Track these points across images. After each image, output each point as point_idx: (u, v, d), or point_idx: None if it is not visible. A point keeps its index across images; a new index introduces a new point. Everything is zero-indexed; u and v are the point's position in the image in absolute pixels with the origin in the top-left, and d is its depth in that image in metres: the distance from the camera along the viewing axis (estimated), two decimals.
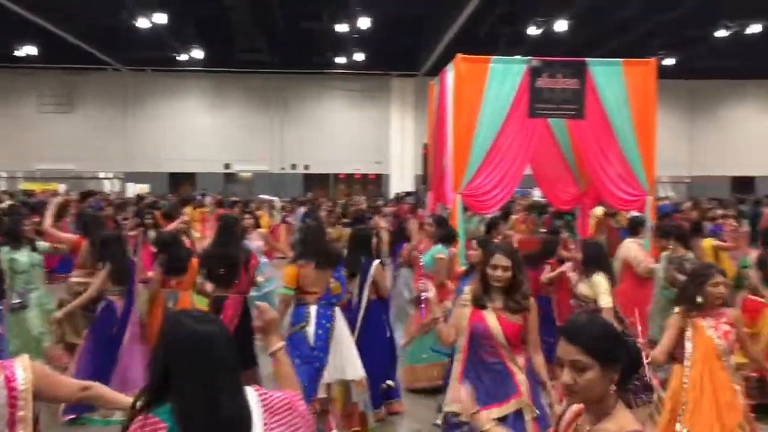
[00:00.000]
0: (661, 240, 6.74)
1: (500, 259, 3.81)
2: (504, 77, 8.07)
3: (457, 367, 3.89)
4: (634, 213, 8.38)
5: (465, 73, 8.12)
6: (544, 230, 9.42)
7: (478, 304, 3.84)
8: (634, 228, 7.70)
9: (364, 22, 18.07)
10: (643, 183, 8.27)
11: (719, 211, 13.84)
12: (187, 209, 11.91)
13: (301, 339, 5.06)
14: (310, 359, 5.02)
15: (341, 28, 18.95)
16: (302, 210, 13.81)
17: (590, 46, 17.86)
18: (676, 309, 4.32)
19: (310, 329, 5.08)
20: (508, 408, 3.75)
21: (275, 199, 14.25)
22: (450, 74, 8.55)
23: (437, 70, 9.61)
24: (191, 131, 26.99)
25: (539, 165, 9.39)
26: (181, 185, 26.42)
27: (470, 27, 17.78)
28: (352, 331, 5.51)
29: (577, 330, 2.09)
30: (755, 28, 18.18)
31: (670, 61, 21.72)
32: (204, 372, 1.96)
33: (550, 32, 18.13)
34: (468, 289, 3.96)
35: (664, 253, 6.77)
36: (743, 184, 27.22)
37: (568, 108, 8.18)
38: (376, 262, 5.77)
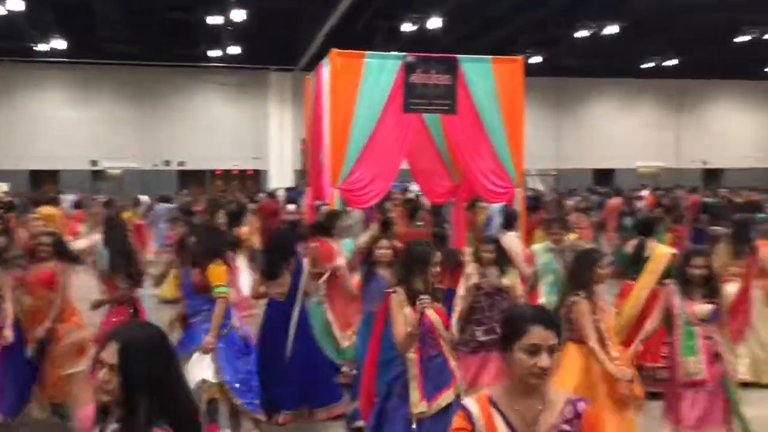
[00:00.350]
0: (562, 231, 7.02)
1: (439, 256, 4.21)
2: (379, 72, 8.14)
3: (413, 368, 4.00)
4: (497, 205, 8.57)
5: (340, 68, 8.13)
6: (420, 224, 9.58)
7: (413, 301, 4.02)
8: (510, 221, 7.72)
9: (238, 15, 17.67)
10: (512, 176, 8.60)
11: (570, 202, 14.78)
12: (47, 209, 11.17)
13: (233, 335, 5.20)
14: (248, 350, 5.25)
15: (214, 20, 18.43)
16: (162, 207, 13.28)
17: (464, 44, 18.39)
18: (582, 294, 4.49)
19: (237, 324, 5.26)
20: (449, 395, 4.00)
21: (144, 198, 13.66)
22: (325, 69, 8.53)
23: (315, 64, 9.58)
24: (55, 126, 25.34)
25: (415, 159, 9.55)
26: (43, 183, 24.79)
27: (347, 22, 17.82)
28: (287, 329, 5.59)
29: (550, 317, 2.30)
30: (613, 29, 19.37)
31: (536, 60, 22.73)
32: (178, 369, 2.20)
33: (425, 29, 18.51)
34: (401, 290, 4.07)
35: (541, 245, 6.95)
36: (604, 176, 29.08)
37: (441, 103, 8.37)
38: (306, 261, 5.89)
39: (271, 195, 18.23)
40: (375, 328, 4.29)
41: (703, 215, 11.41)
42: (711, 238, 8.84)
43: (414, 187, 14.96)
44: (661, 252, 6.54)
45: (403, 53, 8.42)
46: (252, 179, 27.87)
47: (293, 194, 17.15)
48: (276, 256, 5.74)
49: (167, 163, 26.70)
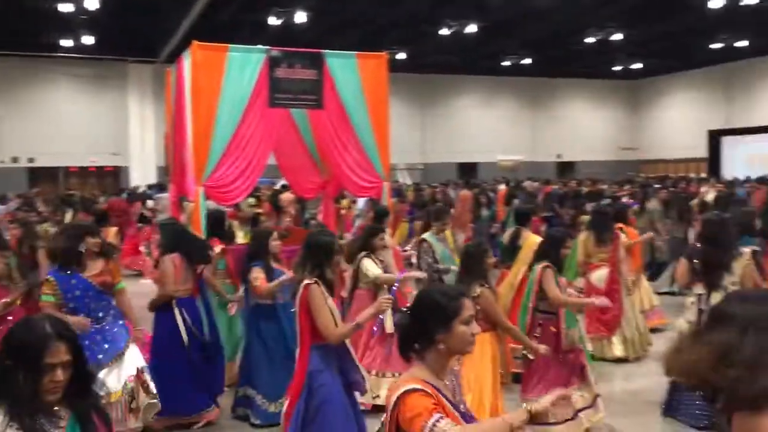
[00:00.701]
0: (448, 223, 7.23)
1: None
2: (243, 66, 7.95)
3: (354, 351, 4.24)
4: (362, 200, 8.64)
5: (202, 61, 7.87)
6: (288, 219, 9.51)
7: (331, 291, 4.18)
8: (381, 218, 7.72)
9: (91, 3, 16.72)
10: (379, 170, 8.69)
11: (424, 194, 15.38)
12: None
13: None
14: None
15: (66, 7, 17.32)
16: None
17: (329, 39, 18.40)
18: (487, 286, 4.74)
19: None
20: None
21: None
22: (187, 62, 8.24)
23: (177, 57, 9.22)
24: None
25: (283, 154, 9.45)
26: None
27: (210, 14, 17.34)
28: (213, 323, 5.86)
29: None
30: (472, 29, 20.10)
31: (402, 56, 23.18)
32: None
33: (290, 23, 18.36)
34: (316, 280, 4.11)
35: (429, 234, 7.17)
36: (469, 170, 30.18)
37: (307, 98, 8.31)
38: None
39: (132, 193, 17.45)
40: (302, 323, 4.14)
41: (555, 204, 12.18)
42: (567, 225, 9.41)
43: (281, 182, 14.85)
44: (533, 240, 6.93)
45: (268, 47, 8.27)
46: (112, 176, 26.50)
47: (153, 191, 16.55)
48: (199, 251, 5.84)
49: (15, 159, 24.85)
